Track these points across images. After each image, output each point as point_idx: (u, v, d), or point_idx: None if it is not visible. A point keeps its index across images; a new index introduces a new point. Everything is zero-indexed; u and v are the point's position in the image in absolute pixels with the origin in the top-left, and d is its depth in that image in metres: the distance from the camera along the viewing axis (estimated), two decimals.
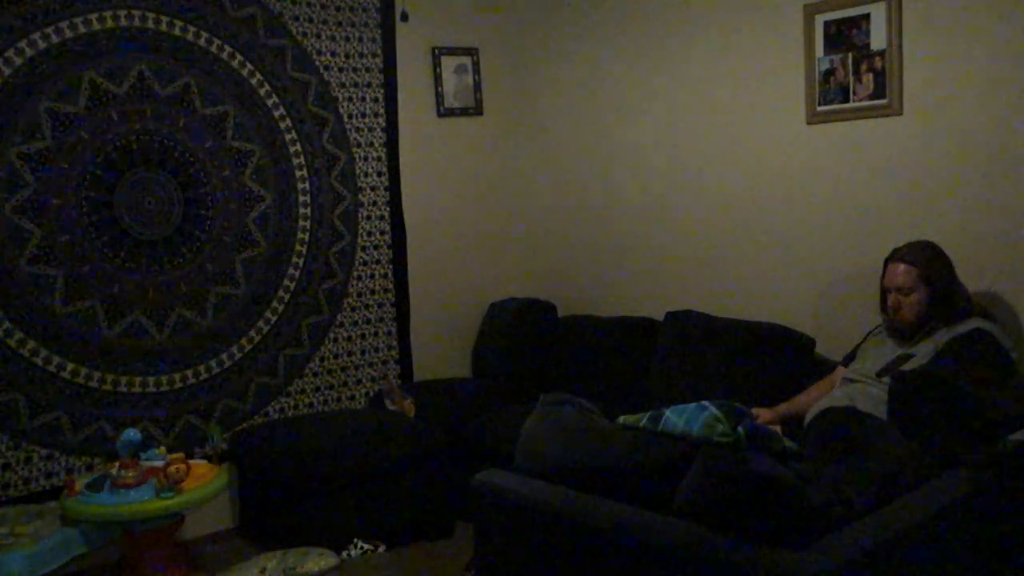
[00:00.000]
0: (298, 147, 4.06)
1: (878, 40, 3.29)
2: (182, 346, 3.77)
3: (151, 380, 3.69)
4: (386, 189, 4.36)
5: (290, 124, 4.04)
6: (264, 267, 3.98)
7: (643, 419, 2.44)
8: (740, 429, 2.27)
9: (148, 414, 3.69)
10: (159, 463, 3.23)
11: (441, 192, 4.58)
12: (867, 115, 3.37)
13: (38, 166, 3.40)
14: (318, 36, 4.11)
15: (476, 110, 4.66)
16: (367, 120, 4.29)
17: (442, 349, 4.62)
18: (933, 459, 2.39)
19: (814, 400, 3.12)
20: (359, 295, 4.30)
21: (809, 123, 3.56)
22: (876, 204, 3.40)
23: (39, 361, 3.43)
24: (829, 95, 3.47)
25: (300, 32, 4.05)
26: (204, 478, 3.27)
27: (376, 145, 4.33)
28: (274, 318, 4.03)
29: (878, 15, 3.28)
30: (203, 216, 3.81)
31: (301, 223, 4.08)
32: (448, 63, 4.55)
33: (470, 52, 4.62)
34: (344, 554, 3.52)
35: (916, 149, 3.27)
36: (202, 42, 3.77)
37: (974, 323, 2.84)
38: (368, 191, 4.30)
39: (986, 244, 3.11)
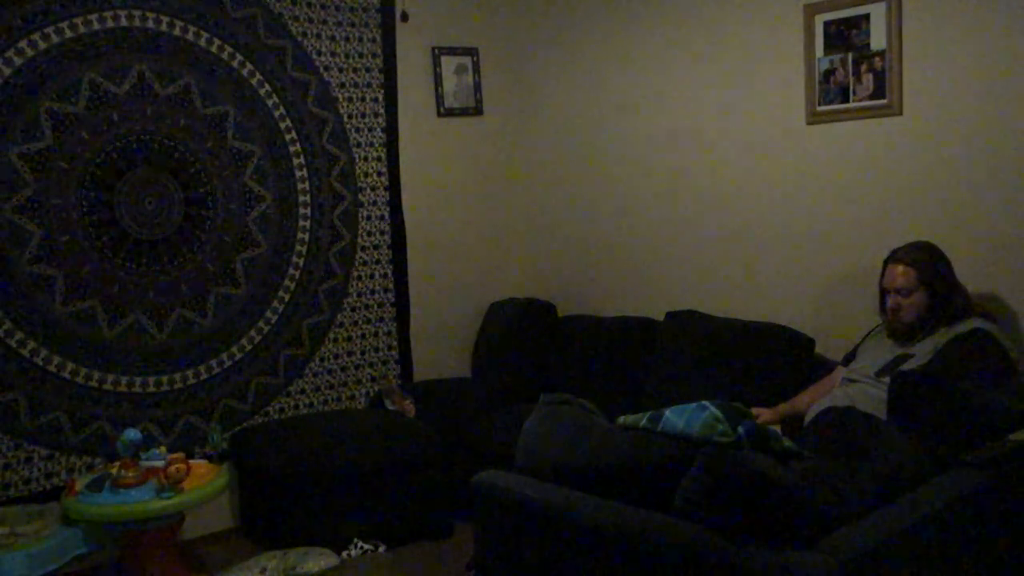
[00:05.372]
0: (298, 147, 4.06)
1: (878, 40, 3.30)
2: (182, 346, 3.77)
3: (151, 380, 3.69)
4: (386, 189, 4.36)
5: (290, 124, 4.04)
6: (264, 267, 3.99)
7: (643, 419, 2.44)
8: (740, 429, 2.27)
9: (148, 414, 3.69)
10: (159, 463, 3.22)
11: (441, 192, 4.58)
12: (867, 115, 3.37)
13: (38, 166, 3.40)
14: (318, 36, 4.11)
15: (476, 110, 4.66)
16: (367, 120, 4.29)
17: (442, 349, 4.62)
18: (933, 459, 2.39)
19: (814, 400, 3.12)
20: (359, 295, 4.30)
21: (809, 123, 3.56)
22: (876, 204, 3.40)
23: (39, 361, 3.43)
24: (829, 95, 3.47)
25: (300, 32, 4.05)
26: (204, 478, 3.27)
27: (376, 145, 4.33)
28: (274, 318, 4.03)
29: (878, 15, 3.28)
30: (203, 216, 3.81)
31: (301, 223, 4.08)
32: (448, 63, 4.55)
33: (470, 52, 4.62)
34: (344, 554, 3.52)
35: (916, 149, 3.27)
36: (202, 42, 3.77)
37: (974, 323, 2.84)
38: (368, 191, 4.30)
39: (986, 244, 3.11)
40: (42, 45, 3.39)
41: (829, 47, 3.44)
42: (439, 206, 4.58)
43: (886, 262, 3.03)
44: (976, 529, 2.35)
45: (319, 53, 4.12)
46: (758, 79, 3.71)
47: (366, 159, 4.29)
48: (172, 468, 3.11)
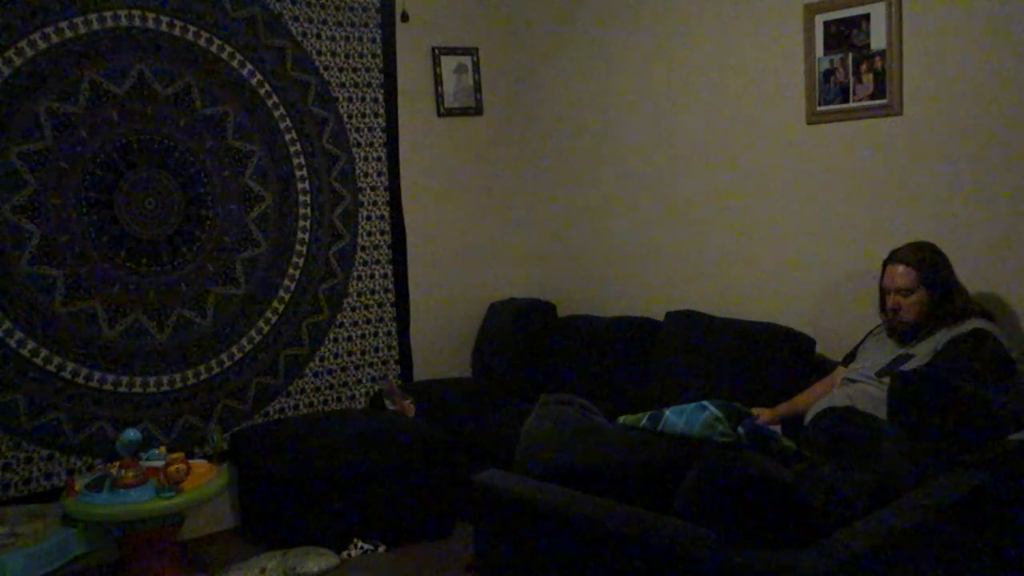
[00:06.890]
0: (298, 147, 4.06)
1: (878, 40, 3.29)
2: (182, 346, 3.77)
3: (151, 380, 3.69)
4: (386, 189, 4.36)
5: (290, 124, 4.04)
6: (264, 267, 3.99)
7: (643, 419, 2.44)
8: (740, 429, 2.27)
9: (148, 414, 3.69)
10: (159, 463, 3.22)
11: (441, 192, 4.58)
12: (867, 115, 3.37)
13: (38, 166, 3.40)
14: (318, 36, 4.11)
15: (476, 110, 4.67)
16: (367, 120, 4.29)
17: (442, 349, 4.62)
18: (933, 459, 2.39)
19: (814, 400, 3.12)
20: (359, 295, 4.30)
21: (809, 123, 3.56)
22: (876, 204, 3.40)
23: (39, 361, 3.43)
24: (829, 95, 3.47)
25: (300, 32, 4.05)
26: (204, 478, 3.27)
27: (376, 145, 4.33)
28: (274, 318, 4.03)
29: (878, 15, 3.28)
30: (203, 216, 3.81)
31: (301, 223, 4.08)
32: (448, 63, 4.55)
33: (470, 52, 4.62)
34: (344, 554, 3.52)
35: (916, 149, 3.27)
36: (202, 42, 3.77)
37: (974, 323, 2.84)
38: (368, 191, 4.30)
39: (986, 244, 3.11)
40: (42, 45, 3.39)
41: (829, 47, 3.44)
42: (439, 206, 4.58)
43: (886, 262, 3.02)
44: (976, 529, 2.34)
45: (319, 53, 4.12)
46: (758, 79, 3.71)
47: (366, 159, 4.29)
48: (172, 468, 3.11)
